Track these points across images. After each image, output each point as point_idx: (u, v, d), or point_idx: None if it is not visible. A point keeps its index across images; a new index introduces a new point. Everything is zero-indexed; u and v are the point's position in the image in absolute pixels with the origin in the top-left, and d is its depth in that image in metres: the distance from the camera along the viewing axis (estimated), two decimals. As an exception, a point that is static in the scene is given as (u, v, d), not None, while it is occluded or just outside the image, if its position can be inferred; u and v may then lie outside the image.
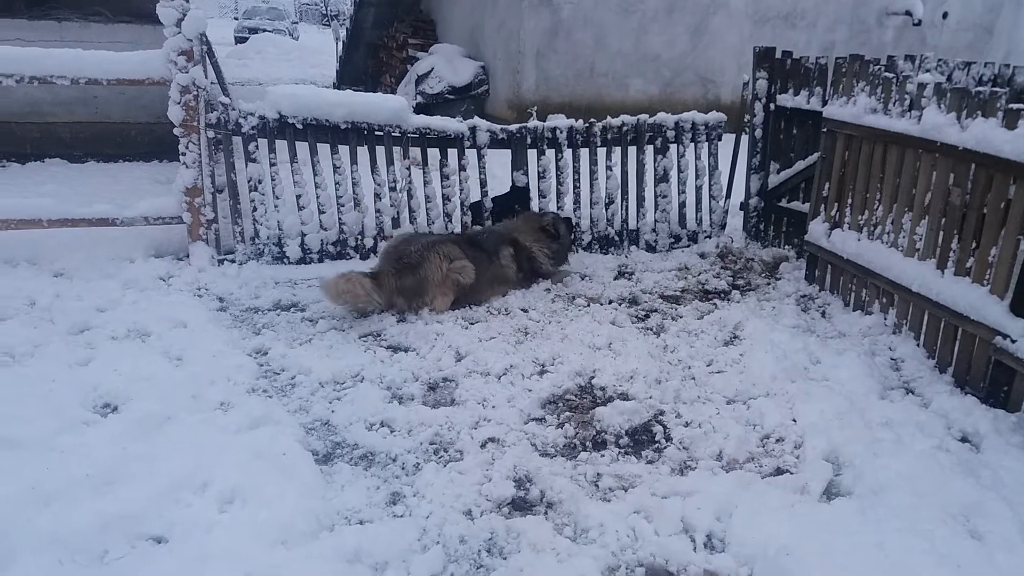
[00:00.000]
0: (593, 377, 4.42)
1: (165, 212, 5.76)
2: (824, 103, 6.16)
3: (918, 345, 4.85)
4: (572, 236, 6.16)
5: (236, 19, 35.37)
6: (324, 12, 49.09)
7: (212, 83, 7.02)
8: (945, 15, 14.12)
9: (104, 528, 3.01)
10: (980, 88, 4.37)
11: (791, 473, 3.53)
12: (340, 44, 19.37)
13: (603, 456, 3.68)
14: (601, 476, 3.49)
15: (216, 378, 4.22)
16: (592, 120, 6.54)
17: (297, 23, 37.84)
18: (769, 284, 6.20)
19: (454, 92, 13.64)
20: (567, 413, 4.06)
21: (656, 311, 5.55)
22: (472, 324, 5.14)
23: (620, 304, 5.64)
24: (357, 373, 4.40)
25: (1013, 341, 3.99)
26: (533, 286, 5.85)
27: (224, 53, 25.83)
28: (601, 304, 5.60)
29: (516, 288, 5.75)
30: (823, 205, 5.85)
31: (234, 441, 3.59)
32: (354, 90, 18.20)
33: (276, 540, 3.00)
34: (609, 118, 6.62)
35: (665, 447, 3.77)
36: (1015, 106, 4.12)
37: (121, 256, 5.82)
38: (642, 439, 3.87)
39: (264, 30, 31.45)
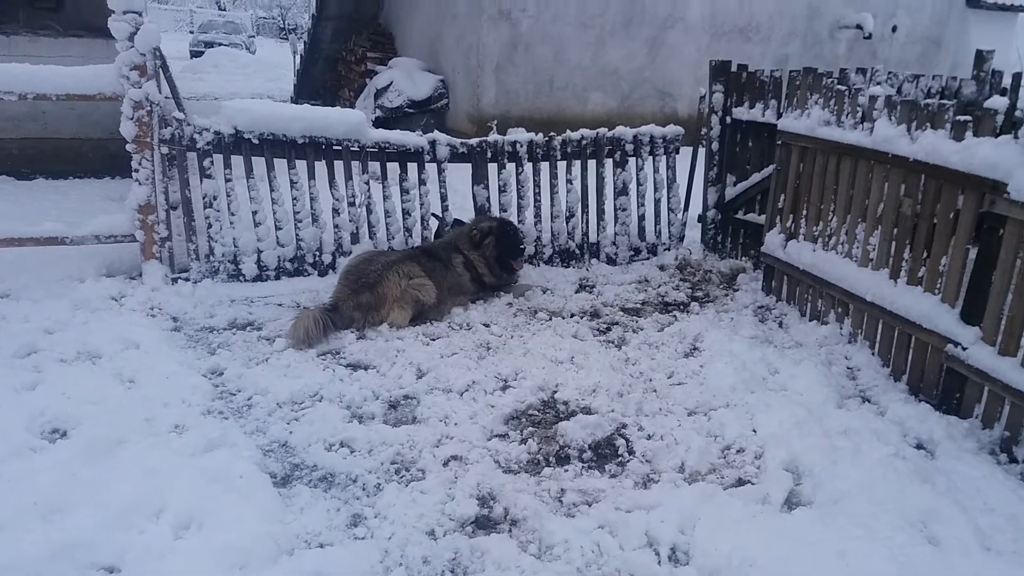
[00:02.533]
0: (556, 391, 4.41)
1: (117, 230, 5.63)
2: (779, 116, 6.26)
3: (873, 354, 4.93)
4: (513, 243, 6.02)
5: (192, 33, 34.87)
6: (282, 26, 48.68)
7: (167, 98, 6.89)
8: (894, 29, 14.51)
9: (53, 558, 2.91)
10: (929, 100, 4.48)
11: (752, 483, 3.55)
12: (298, 58, 19.23)
13: (567, 471, 3.66)
14: (565, 492, 3.47)
15: (170, 400, 4.12)
16: (552, 134, 6.57)
17: (254, 37, 37.49)
18: (727, 295, 6.26)
19: (414, 106, 13.61)
20: (530, 428, 4.04)
21: (617, 324, 5.57)
22: (433, 340, 5.10)
23: (582, 317, 5.65)
24: (316, 392, 4.33)
25: (964, 349, 4.07)
26: (494, 300, 5.84)
27: (179, 67, 25.51)
28: (563, 318, 5.60)
29: (475, 299, 5.73)
30: (779, 217, 5.94)
31: (189, 464, 3.51)
32: (312, 104, 18.23)
33: (233, 566, 2.92)
34: (569, 132, 6.65)
35: (628, 460, 3.77)
36: (962, 118, 4.23)
37: (71, 276, 5.66)
38: (605, 453, 3.86)
39: (220, 44, 31.08)
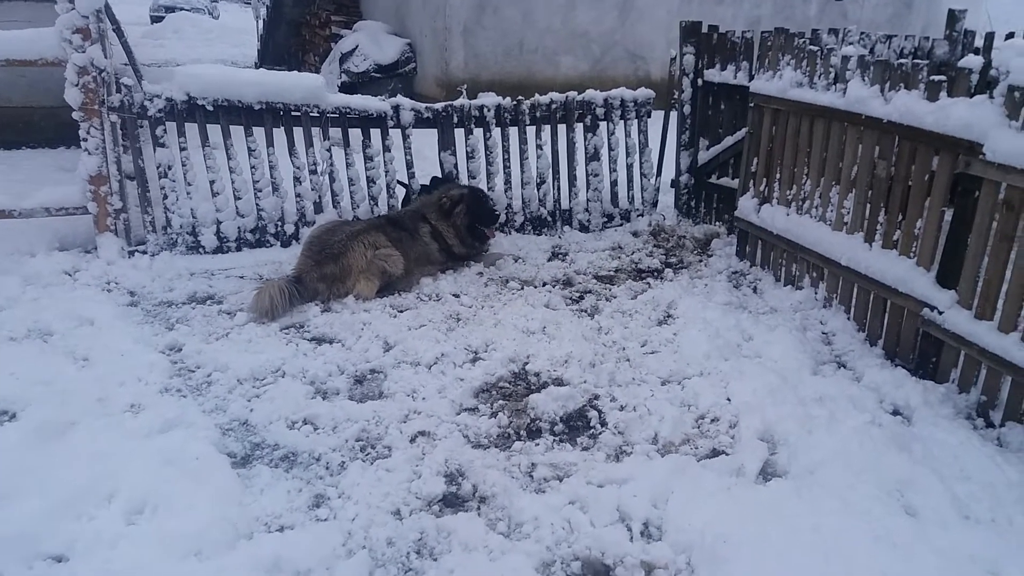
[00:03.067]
0: (527, 363, 4.30)
1: (68, 202, 5.39)
2: (751, 78, 6.13)
3: (848, 319, 4.87)
4: (485, 211, 5.88)
5: (151, -3, 33.79)
6: (247, -10, 47.33)
7: (124, 64, 6.60)
8: (865, -10, 14.39)
9: (-4, 549, 2.76)
10: (902, 60, 4.36)
11: (726, 454, 3.48)
12: (261, 23, 18.69)
13: (538, 445, 3.56)
14: (536, 466, 3.37)
15: (125, 379, 3.96)
16: (520, 98, 6.38)
17: (216, 2, 36.47)
18: (701, 261, 6.17)
19: (380, 70, 13.29)
20: (500, 402, 3.93)
21: (590, 292, 5.46)
22: (401, 312, 4.95)
23: (554, 286, 5.52)
24: (278, 368, 4.18)
25: (940, 313, 4.01)
26: (464, 269, 5.69)
27: (139, 33, 24.76)
28: (535, 287, 5.47)
29: (444, 268, 5.58)
30: (752, 180, 5.83)
31: (143, 447, 3.36)
32: (275, 70, 17.78)
33: (188, 552, 2.80)
34: (538, 96, 6.47)
35: (600, 433, 3.67)
36: (936, 78, 4.13)
37: (21, 250, 5.43)
38: (577, 425, 3.76)
39: (181, 9, 30.18)
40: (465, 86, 12.26)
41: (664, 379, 4.20)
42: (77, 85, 5.09)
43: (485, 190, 6.33)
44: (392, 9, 14.32)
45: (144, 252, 5.48)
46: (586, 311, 5.10)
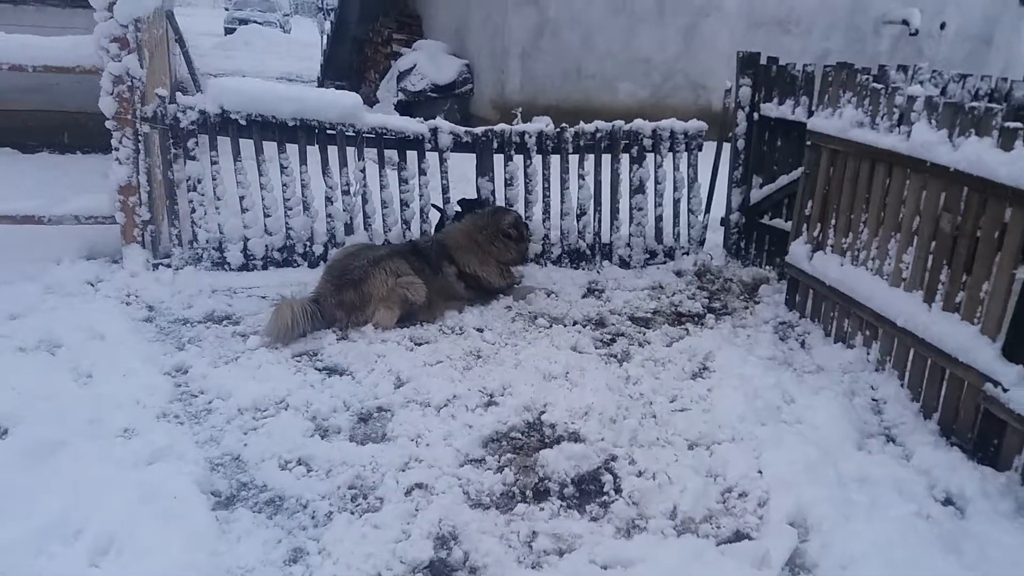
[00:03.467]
0: (543, 412, 4.01)
1: (98, 211, 5.33)
2: (810, 114, 5.78)
3: (902, 386, 4.45)
4: (526, 234, 5.74)
5: (227, 9, 34.72)
6: (320, 6, 48.48)
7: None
8: (943, 25, 13.76)
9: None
10: (975, 104, 3.97)
11: (751, 538, 3.12)
12: (325, 38, 18.90)
13: (543, 510, 3.26)
14: (536, 535, 3.08)
15: (124, 400, 3.81)
16: (564, 125, 6.13)
17: (289, 16, 37.30)
18: (747, 308, 5.80)
19: (437, 90, 13.21)
20: (509, 455, 3.65)
21: (623, 335, 5.15)
22: (419, 345, 4.72)
23: (585, 326, 5.23)
24: (282, 399, 3.98)
25: (1005, 390, 3.59)
26: (493, 303, 5.44)
27: (211, 44, 25.42)
28: (564, 325, 5.19)
29: (471, 303, 5.34)
30: (805, 225, 5.46)
31: (125, 478, 3.18)
32: (337, 86, 17.88)
33: (148, 605, 2.59)
34: (582, 123, 6.21)
35: (613, 501, 3.36)
36: (1012, 125, 3.73)
37: (49, 257, 5.38)
38: (589, 489, 3.45)
39: (254, 22, 30.88)
40: (520, 109, 12.13)
41: (692, 442, 3.86)
42: (112, 94, 5.03)
43: (523, 217, 6.09)
44: (452, 29, 14.27)
45: (168, 266, 5.38)
46: (615, 356, 4.79)
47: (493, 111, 12.41)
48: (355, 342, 4.66)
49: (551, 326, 5.14)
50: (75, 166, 8.12)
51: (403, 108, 13.74)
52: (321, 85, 18.36)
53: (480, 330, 5.01)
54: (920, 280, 4.35)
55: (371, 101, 14.79)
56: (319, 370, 4.35)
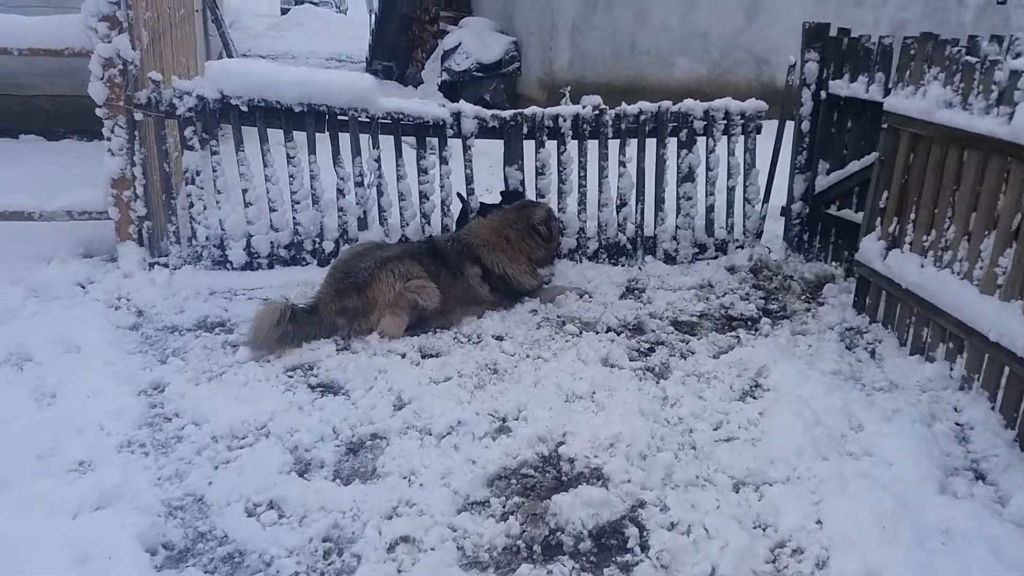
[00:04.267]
0: (562, 443, 3.43)
1: (91, 206, 4.94)
2: (886, 92, 5.02)
3: (992, 409, 3.75)
4: (558, 230, 5.25)
5: (284, -11, 34.61)
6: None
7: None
8: (1034, -8, 12.54)
9: None
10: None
11: (806, 621, 2.51)
12: (373, 17, 18.45)
13: (550, 573, 2.70)
14: (538, 611, 2.53)
15: (86, 425, 3.38)
16: (603, 106, 5.49)
17: (346, -4, 36.93)
18: (808, 311, 5.10)
19: (482, 69, 12.64)
20: (517, 498, 3.09)
21: (663, 344, 4.53)
22: (428, 357, 4.19)
23: (620, 333, 4.62)
24: (263, 425, 3.50)
25: None
26: (517, 306, 4.87)
27: (264, 25, 25.27)
28: (596, 332, 4.59)
29: (494, 308, 4.78)
30: (880, 218, 4.73)
31: (61, 532, 2.73)
32: (385, 67, 17.42)
33: None
34: (624, 104, 5.56)
35: (638, 562, 2.78)
36: None
37: (42, 256, 5.01)
38: (609, 545, 2.88)
39: (310, 2, 30.64)
40: (568, 88, 11.47)
41: (738, 481, 3.24)
42: (102, 79, 4.61)
43: (555, 211, 5.50)
44: (500, 5, 13.63)
45: (166, 265, 4.96)
46: (652, 371, 4.18)
47: (540, 90, 11.80)
48: (356, 354, 4.15)
49: (580, 333, 4.55)
50: (97, 153, 7.81)
51: (447, 88, 13.23)
52: (369, 66, 17.93)
53: (500, 338, 4.46)
54: (1020, 288, 3.62)
55: (417, 81, 14.29)
56: (312, 387, 3.86)
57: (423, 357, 4.19)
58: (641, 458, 3.31)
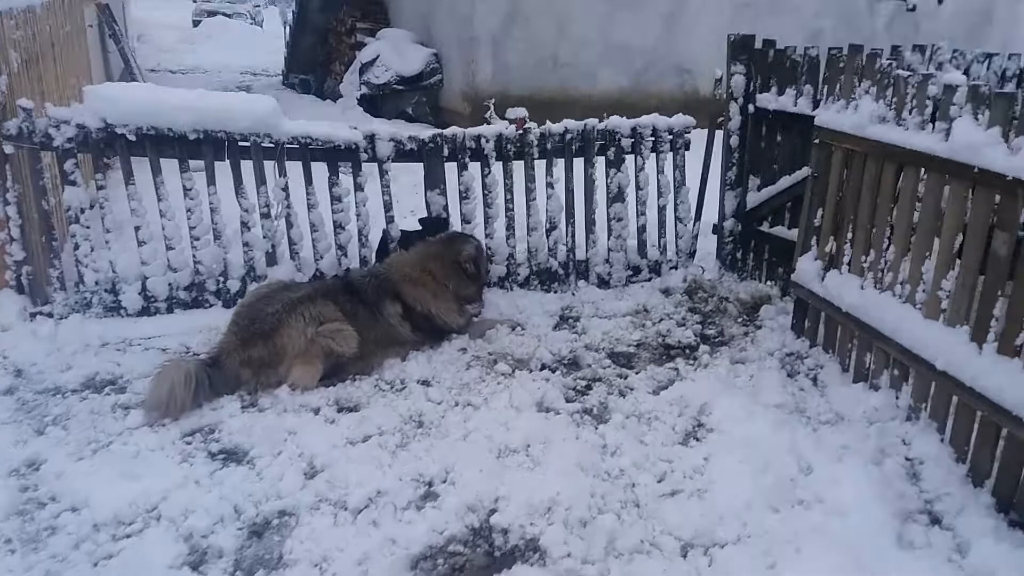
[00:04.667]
0: (495, 510, 3.10)
1: (-42, 250, 4.39)
2: (815, 105, 4.89)
3: (942, 441, 3.59)
4: (486, 267, 4.94)
5: (195, 1, 33.36)
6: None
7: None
8: (940, 1, 12.86)
9: None
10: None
11: None
12: (288, 28, 17.84)
13: (483, 676, 2.37)
14: None
15: (-60, 520, 2.88)
16: (528, 123, 5.20)
17: (260, 7, 35.88)
18: (747, 335, 4.91)
19: (403, 82, 12.26)
20: (444, 583, 2.75)
21: (600, 380, 4.26)
22: (344, 411, 3.81)
23: (555, 370, 4.33)
24: (154, 507, 3.07)
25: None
26: (444, 344, 4.53)
27: (175, 38, 24.28)
28: (530, 371, 4.29)
29: (418, 348, 4.43)
30: (815, 237, 4.57)
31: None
32: (303, 79, 16.84)
33: None
34: (549, 124, 5.29)
35: (581, 655, 2.47)
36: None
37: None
38: (549, 635, 2.56)
39: (223, 14, 29.59)
40: (493, 100, 11.21)
41: (685, 543, 2.97)
42: (-38, 108, 4.08)
43: (483, 237, 5.19)
44: (419, 17, 13.27)
45: (50, 315, 4.44)
46: (590, 414, 3.89)
47: (464, 103, 11.51)
48: (264, 412, 3.74)
49: (513, 372, 4.24)
50: None
51: (367, 102, 12.81)
52: (286, 79, 17.31)
53: (426, 383, 4.11)
54: (965, 313, 3.47)
55: (336, 95, 13.80)
56: (212, 456, 3.43)
57: (339, 411, 3.81)
58: (581, 524, 3.01)
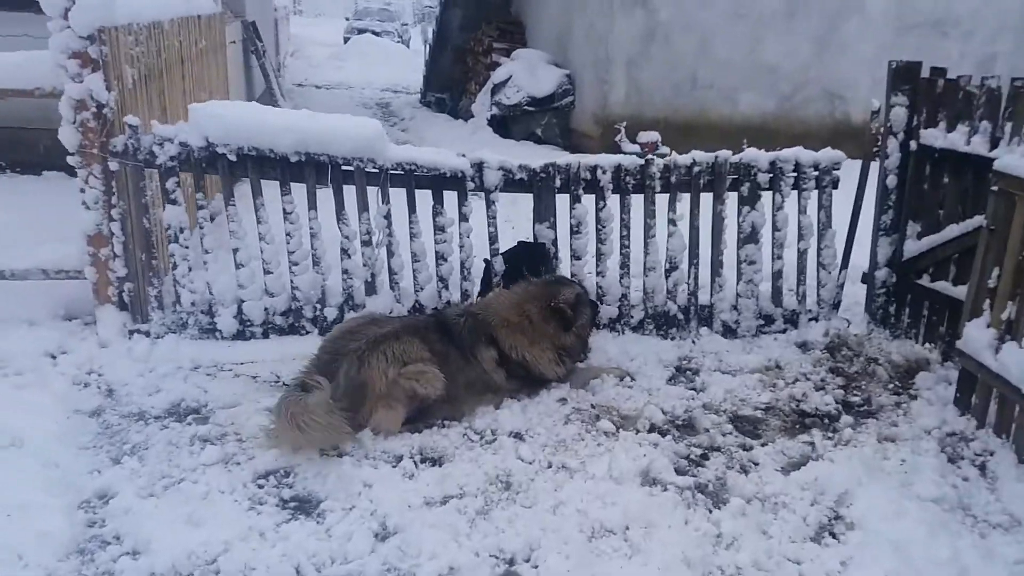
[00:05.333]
0: (579, 607, 2.66)
1: (67, 264, 4.40)
2: (993, 145, 4.17)
3: None
4: (594, 318, 4.46)
5: (347, 19, 34.73)
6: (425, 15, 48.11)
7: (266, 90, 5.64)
8: None
9: None
10: None
11: None
12: (427, 47, 18.08)
13: None
14: None
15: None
16: (650, 156, 4.73)
17: (408, 25, 36.94)
18: (899, 406, 4.22)
19: (534, 103, 12.05)
20: None
21: (719, 450, 3.72)
22: (427, 463, 3.47)
23: (666, 433, 3.82)
24: (214, 559, 2.82)
25: None
26: (543, 392, 4.11)
27: (326, 55, 25.26)
28: (636, 431, 3.80)
29: (512, 396, 4.04)
30: (988, 300, 3.85)
31: None
32: (439, 98, 16.98)
33: None
34: (675, 155, 4.80)
35: None
36: None
37: (16, 318, 4.48)
38: None
39: (373, 31, 30.62)
40: (624, 124, 10.79)
41: None
42: (74, 122, 4.06)
43: (593, 274, 4.76)
44: (555, 37, 13.04)
45: (147, 333, 4.37)
46: (705, 492, 3.37)
47: (595, 126, 11.15)
48: (341, 459, 3.45)
49: (617, 432, 3.78)
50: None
51: (497, 123, 12.68)
52: (423, 97, 17.53)
53: (518, 436, 3.71)
54: None
55: (468, 115, 13.77)
56: (283, 504, 3.16)
57: (422, 461, 3.47)
58: (682, 639, 2.51)
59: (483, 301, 4.27)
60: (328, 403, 3.42)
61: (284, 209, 4.38)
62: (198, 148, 4.21)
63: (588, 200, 4.72)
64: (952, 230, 4.57)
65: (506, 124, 12.58)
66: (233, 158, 4.23)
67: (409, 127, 13.95)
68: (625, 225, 4.76)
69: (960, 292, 4.50)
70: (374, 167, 4.38)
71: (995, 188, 3.78)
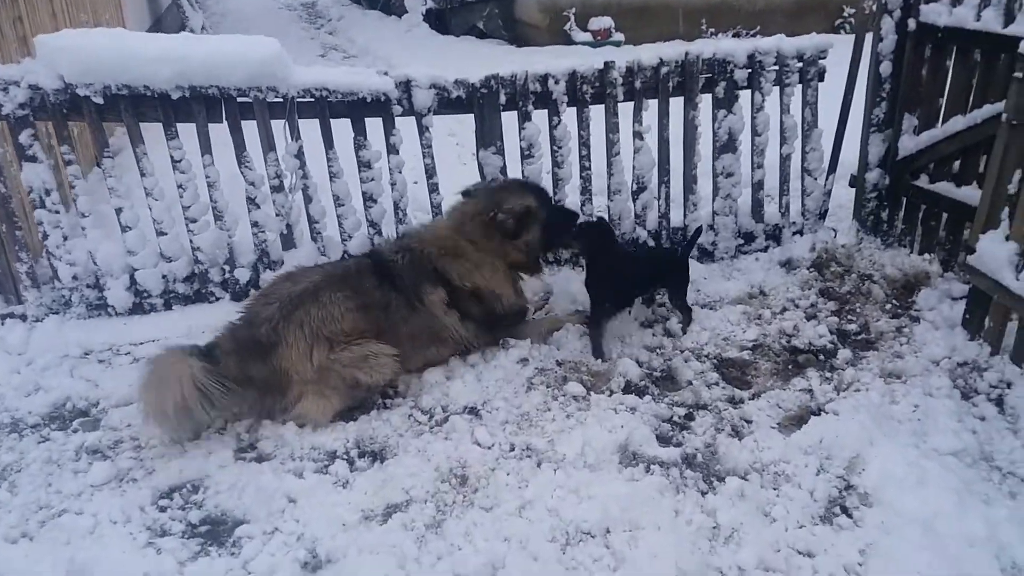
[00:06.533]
0: (555, 648, 2.16)
1: (-86, 241, 3.63)
2: (1009, 20, 3.54)
3: None
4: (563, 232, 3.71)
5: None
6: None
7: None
8: None
9: None
10: None
11: None
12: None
13: None
14: None
15: None
16: (608, 61, 4.01)
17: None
18: (901, 331, 3.74)
19: (473, -8, 11.09)
20: None
21: (705, 408, 3.21)
22: (365, 460, 2.91)
23: (643, 392, 3.29)
24: (95, 626, 2.26)
25: None
26: (500, 352, 3.53)
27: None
28: (610, 394, 3.26)
29: (466, 351, 3.45)
30: (1008, 209, 3.31)
31: None
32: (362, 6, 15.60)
33: None
34: (640, 56, 4.07)
35: None
36: None
37: None
38: None
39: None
40: (573, 10, 9.92)
41: None
42: None
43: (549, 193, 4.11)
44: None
45: (23, 318, 3.66)
46: (694, 466, 2.87)
47: (541, 14, 10.29)
48: (260, 464, 2.86)
49: (588, 395, 3.24)
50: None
51: (434, 17, 11.72)
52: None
53: (474, 412, 3.16)
54: None
55: (401, 10, 12.66)
56: (191, 531, 2.60)
57: (359, 457, 2.91)
58: None
59: (419, 230, 3.57)
60: (211, 369, 2.81)
61: (172, 156, 3.63)
62: (53, 91, 3.40)
63: (540, 116, 4.00)
64: (956, 123, 3.97)
65: (444, 18, 11.65)
66: (100, 100, 3.43)
67: (337, 28, 12.83)
68: (584, 143, 4.08)
69: (964, 194, 3.96)
70: (277, 96, 3.61)
71: (1019, 74, 3.17)
